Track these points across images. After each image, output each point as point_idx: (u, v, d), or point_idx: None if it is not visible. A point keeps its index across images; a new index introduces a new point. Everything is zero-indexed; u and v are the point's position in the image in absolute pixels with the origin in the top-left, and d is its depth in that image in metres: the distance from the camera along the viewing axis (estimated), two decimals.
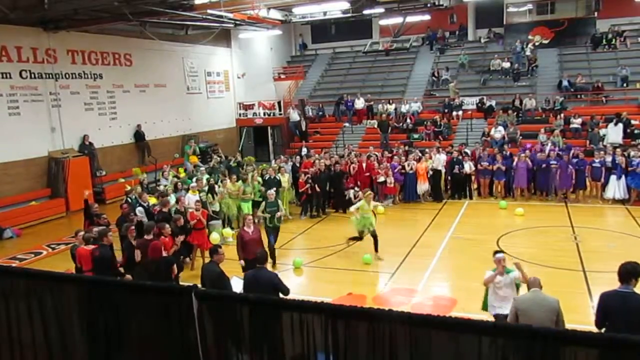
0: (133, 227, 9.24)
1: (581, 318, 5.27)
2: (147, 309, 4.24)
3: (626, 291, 4.99)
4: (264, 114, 25.18)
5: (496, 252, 6.73)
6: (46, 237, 13.80)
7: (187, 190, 12.73)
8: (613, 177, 14.47)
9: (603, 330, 4.99)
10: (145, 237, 8.55)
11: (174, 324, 4.14)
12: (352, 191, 15.38)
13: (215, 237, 11.46)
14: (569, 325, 5.36)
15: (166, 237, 8.84)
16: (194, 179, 13.83)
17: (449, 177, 16.32)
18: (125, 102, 19.32)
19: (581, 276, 9.35)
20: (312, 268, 10.81)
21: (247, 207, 13.43)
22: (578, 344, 3.20)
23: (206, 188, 13.22)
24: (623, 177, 14.35)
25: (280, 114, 24.97)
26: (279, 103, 25.30)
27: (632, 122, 19.10)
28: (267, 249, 8.99)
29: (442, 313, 3.99)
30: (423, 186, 15.82)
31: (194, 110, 22.78)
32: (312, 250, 11.90)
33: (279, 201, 11.58)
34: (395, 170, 15.73)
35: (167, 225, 9.06)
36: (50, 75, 16.64)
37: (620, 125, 18.65)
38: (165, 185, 13.56)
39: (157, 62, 20.67)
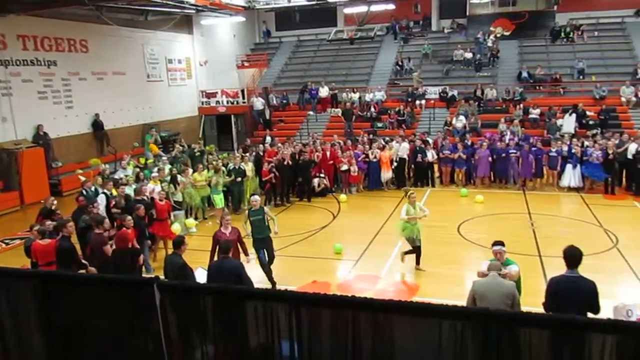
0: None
1: (537, 301, 5.46)
2: (108, 302, 4.16)
3: (574, 275, 5.21)
4: (227, 102, 24.86)
5: (495, 243, 6.42)
6: None
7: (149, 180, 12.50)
8: (569, 166, 14.98)
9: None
10: (96, 230, 8.34)
11: (136, 316, 4.09)
12: (316, 180, 15.48)
13: (177, 228, 11.31)
14: (525, 308, 5.57)
15: (128, 229, 8.66)
16: (156, 169, 13.59)
17: (412, 166, 16.57)
18: (81, 90, 18.70)
19: (537, 261, 9.69)
20: (276, 257, 10.80)
21: (219, 200, 13.26)
22: (531, 325, 3.33)
23: (168, 178, 13.01)
24: (578, 166, 14.87)
25: (244, 102, 24.72)
26: (242, 91, 25.03)
27: (587, 113, 19.77)
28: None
29: (404, 298, 4.07)
30: (386, 174, 16.02)
31: (155, 99, 22.29)
32: (276, 239, 11.86)
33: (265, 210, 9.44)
34: (359, 159, 15.86)
35: (129, 217, 8.88)
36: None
37: (574, 115, 19.29)
38: (127, 176, 13.26)
39: (116, 48, 20.08)
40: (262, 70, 28.38)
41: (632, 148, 14.34)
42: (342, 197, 15.21)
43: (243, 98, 24.76)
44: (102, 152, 18.87)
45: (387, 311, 3.60)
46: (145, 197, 10.90)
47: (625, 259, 9.69)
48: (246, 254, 8.55)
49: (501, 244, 6.35)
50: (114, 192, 11.39)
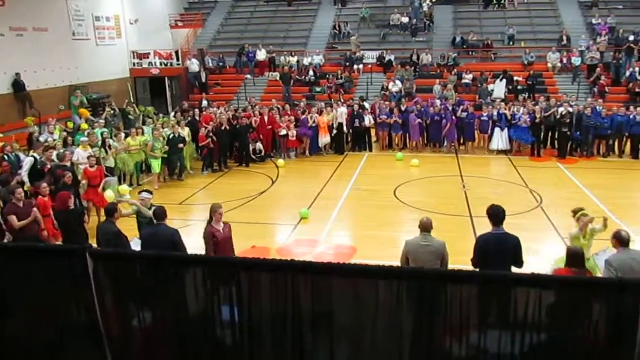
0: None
1: (468, 260, 5.73)
2: (39, 272, 3.99)
3: (499, 232, 5.52)
4: (161, 64, 23.86)
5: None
6: None
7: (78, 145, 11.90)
8: (497, 130, 15.61)
9: (479, 269, 5.50)
10: (13, 200, 7.85)
11: (68, 286, 3.95)
12: (257, 145, 15.33)
13: (110, 195, 10.89)
14: (459, 266, 5.84)
15: (45, 197, 8.22)
16: (86, 133, 12.94)
17: (350, 131, 16.71)
18: None
19: (468, 221, 10.13)
20: None
21: (157, 165, 12.86)
22: (461, 282, 3.51)
23: (99, 143, 12.44)
24: (506, 129, 15.51)
25: (179, 65, 23.82)
26: (176, 53, 24.07)
27: (516, 79, 20.56)
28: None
29: (343, 261, 4.16)
30: (325, 139, 16.08)
31: (82, 59, 21.00)
32: None
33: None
34: (308, 126, 15.74)
35: (44, 184, 8.43)
36: None
37: (505, 81, 20.02)
38: (55, 140, 12.55)
39: (36, 3, 18.63)
40: (197, 31, 27.35)
41: (561, 110, 15.05)
42: (281, 162, 15.17)
43: (177, 60, 23.85)
44: (24, 115, 17.69)
45: (326, 274, 3.67)
46: (68, 164, 10.36)
47: (548, 218, 10.31)
48: None
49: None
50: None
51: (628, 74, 20.07)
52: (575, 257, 5.38)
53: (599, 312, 3.40)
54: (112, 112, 16.33)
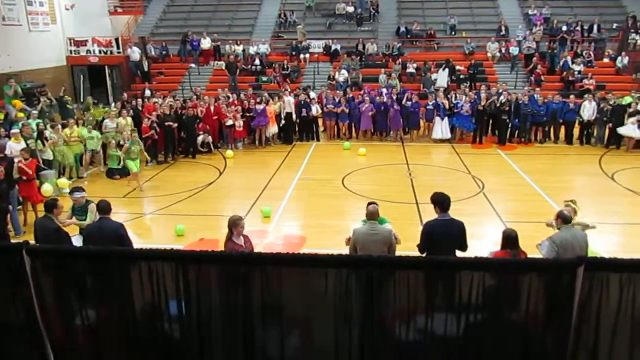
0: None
1: (414, 246, 5.88)
2: None
3: (445, 218, 5.69)
4: (100, 52, 22.93)
5: (369, 203, 5.92)
6: None
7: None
8: (437, 119, 16.00)
9: (425, 254, 5.65)
10: None
11: (5, 285, 3.77)
12: (201, 136, 15.02)
13: (47, 189, 10.46)
14: (404, 252, 5.98)
15: None
16: (20, 124, 12.30)
17: (297, 120, 16.68)
18: None
19: (414, 208, 10.38)
20: (161, 215, 10.48)
21: (134, 165, 12.10)
22: (409, 267, 3.60)
23: (35, 135, 11.86)
24: (446, 118, 15.91)
25: (119, 53, 22.97)
26: (116, 40, 23.20)
27: (458, 68, 21.11)
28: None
29: (292, 251, 4.17)
30: (272, 129, 15.99)
31: (13, 45, 19.86)
32: (161, 197, 11.49)
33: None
34: (268, 114, 15.57)
35: None
36: None
37: (447, 70, 20.52)
38: None
39: None
40: (137, 18, 26.42)
41: (501, 98, 15.55)
42: (228, 152, 14.97)
43: (117, 48, 22.99)
44: None
45: (276, 264, 3.67)
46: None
47: (490, 203, 10.71)
48: None
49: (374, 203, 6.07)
50: None
51: (562, 62, 21.03)
52: (509, 239, 5.63)
53: (536, 291, 3.57)
54: (48, 101, 15.59)
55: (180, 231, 9.30)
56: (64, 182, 11.65)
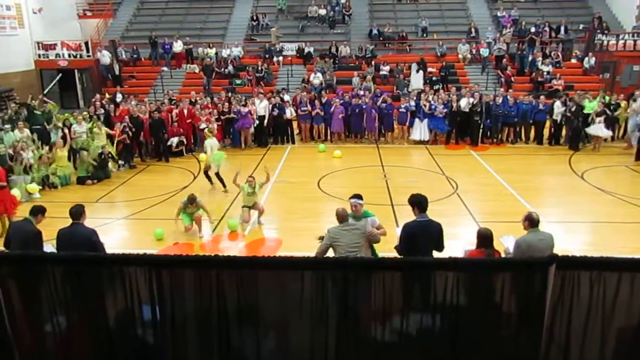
0: None
1: (390, 247, 5.90)
2: None
3: (424, 220, 5.71)
4: (69, 56, 22.55)
5: (352, 196, 6.30)
6: None
7: None
8: (417, 120, 16.12)
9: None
10: None
11: None
12: (175, 139, 14.85)
13: (16, 194, 10.20)
14: (380, 254, 6.01)
15: None
16: None
17: (270, 123, 16.59)
18: None
19: (390, 210, 10.43)
20: (134, 220, 10.31)
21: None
22: (385, 268, 3.61)
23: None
24: (425, 120, 16.06)
25: (89, 56, 22.62)
26: (86, 44, 22.82)
27: (430, 69, 21.36)
28: None
29: (268, 254, 4.14)
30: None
31: None
32: (134, 202, 11.31)
33: None
34: (250, 117, 15.52)
35: None
36: None
37: (421, 72, 20.74)
38: None
39: None
40: (107, 21, 26.04)
41: (463, 102, 15.75)
42: (202, 156, 14.78)
43: (87, 51, 22.64)
44: None
45: (251, 267, 3.64)
46: None
47: (463, 203, 10.84)
48: None
49: (358, 197, 6.33)
50: None
51: (530, 63, 21.46)
52: (484, 238, 5.68)
53: (510, 290, 3.62)
54: (16, 107, 15.20)
55: (159, 235, 9.17)
56: (33, 187, 11.39)
